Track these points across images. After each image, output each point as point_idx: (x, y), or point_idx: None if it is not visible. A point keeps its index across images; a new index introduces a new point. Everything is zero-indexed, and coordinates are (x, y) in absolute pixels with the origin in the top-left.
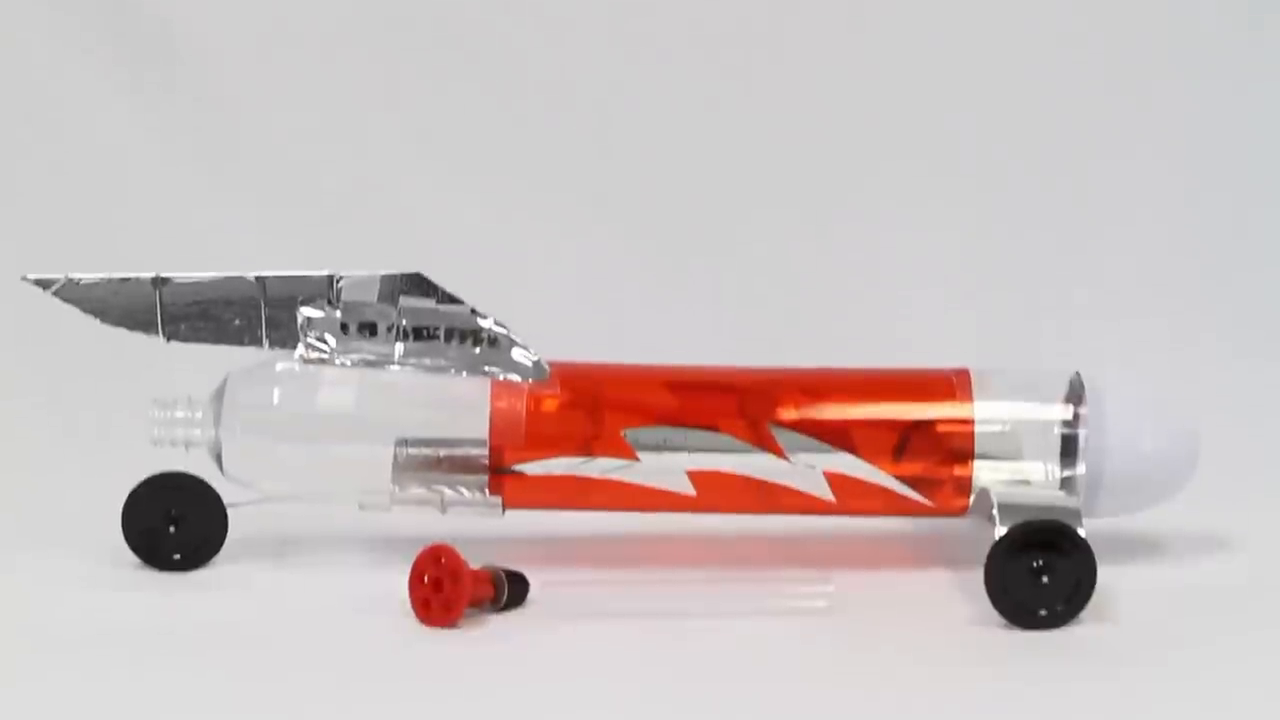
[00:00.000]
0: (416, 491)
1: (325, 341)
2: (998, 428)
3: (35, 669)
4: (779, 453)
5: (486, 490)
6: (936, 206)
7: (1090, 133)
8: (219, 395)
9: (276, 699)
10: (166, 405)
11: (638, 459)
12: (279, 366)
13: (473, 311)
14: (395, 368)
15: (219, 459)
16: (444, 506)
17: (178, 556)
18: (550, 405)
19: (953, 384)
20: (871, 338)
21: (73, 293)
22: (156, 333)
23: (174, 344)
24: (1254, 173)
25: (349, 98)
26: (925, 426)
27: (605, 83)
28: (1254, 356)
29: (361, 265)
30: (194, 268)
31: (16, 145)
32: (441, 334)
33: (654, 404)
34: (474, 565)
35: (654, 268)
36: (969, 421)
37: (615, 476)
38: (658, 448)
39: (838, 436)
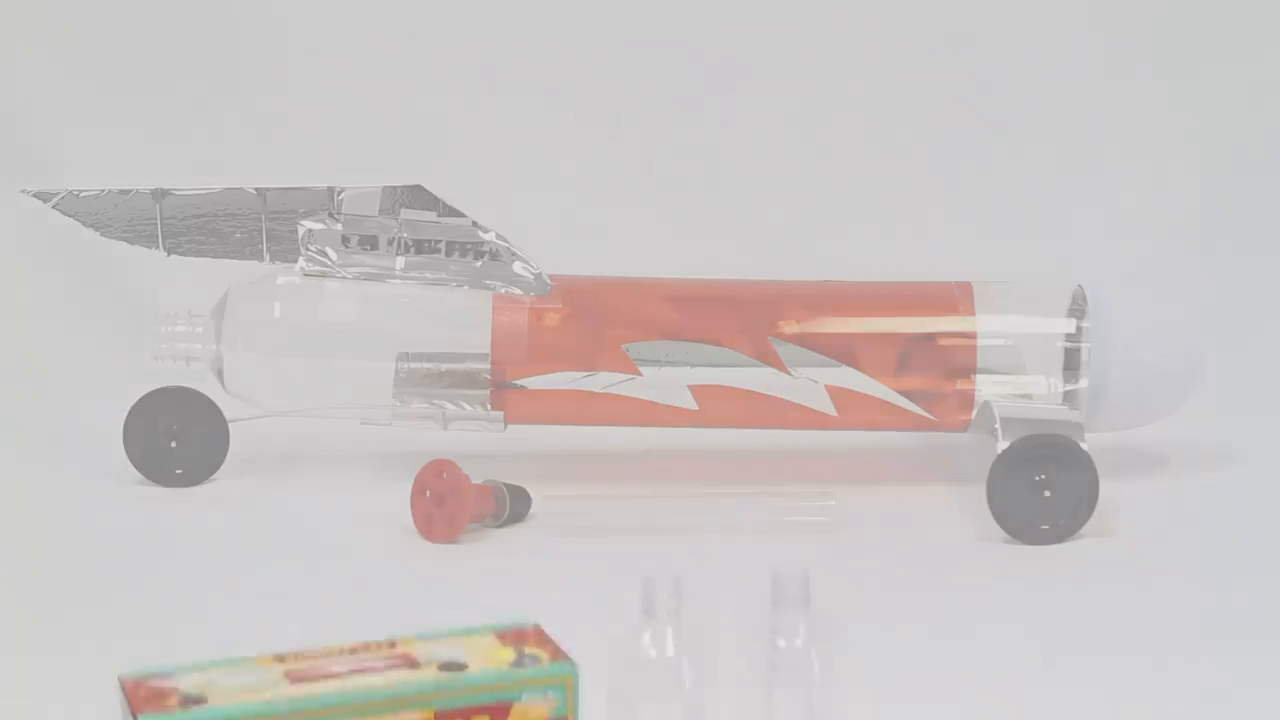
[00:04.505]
0: (418, 406)
1: (326, 254)
2: (1000, 341)
3: (39, 585)
4: (781, 367)
5: (488, 405)
6: (940, 122)
7: (1092, 50)
8: (220, 309)
9: (278, 612)
10: (167, 320)
11: (639, 373)
12: (280, 280)
13: (474, 225)
14: (396, 281)
15: (220, 374)
16: (446, 421)
17: (179, 472)
18: (552, 319)
19: (955, 297)
20: (873, 251)
21: (73, 206)
22: (157, 246)
23: (174, 257)
24: (1253, 91)
25: (348, 11)
26: (928, 340)
27: None
28: (1253, 275)
29: (363, 177)
30: (195, 181)
31: (15, 55)
32: (443, 247)
33: (656, 318)
34: (476, 480)
35: (656, 182)
36: (971, 335)
37: (617, 391)
38: (659, 362)
39: (840, 350)
